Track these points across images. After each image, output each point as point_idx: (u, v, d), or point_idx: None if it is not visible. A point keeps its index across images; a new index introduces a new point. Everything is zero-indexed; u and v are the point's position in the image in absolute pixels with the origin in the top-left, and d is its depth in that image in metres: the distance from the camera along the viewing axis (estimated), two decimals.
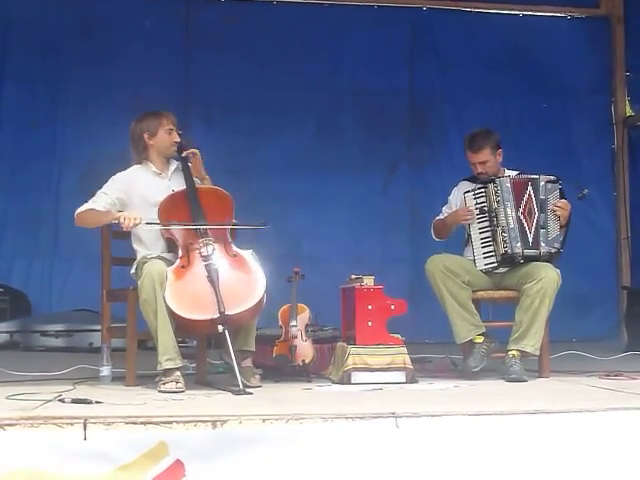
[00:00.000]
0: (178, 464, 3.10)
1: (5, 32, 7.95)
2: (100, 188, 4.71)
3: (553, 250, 4.99)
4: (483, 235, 5.06)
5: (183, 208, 4.58)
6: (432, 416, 3.32)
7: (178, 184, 4.71)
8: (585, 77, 8.73)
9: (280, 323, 5.16)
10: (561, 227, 5.04)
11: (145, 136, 4.72)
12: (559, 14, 8.80)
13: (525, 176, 5.08)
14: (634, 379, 4.69)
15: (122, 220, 4.44)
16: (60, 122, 7.98)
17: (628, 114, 8.74)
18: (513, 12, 8.72)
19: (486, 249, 5.05)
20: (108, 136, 7.63)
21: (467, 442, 3.26)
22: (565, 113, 8.60)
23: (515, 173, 5.14)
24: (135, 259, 4.72)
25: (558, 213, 4.99)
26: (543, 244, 4.98)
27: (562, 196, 5.06)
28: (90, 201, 4.67)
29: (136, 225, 4.46)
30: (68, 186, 7.86)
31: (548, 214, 5.00)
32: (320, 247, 8.01)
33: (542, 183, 5.02)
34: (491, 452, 3.26)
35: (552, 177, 5.06)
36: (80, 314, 7.30)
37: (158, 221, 4.55)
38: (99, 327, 5.03)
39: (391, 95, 8.45)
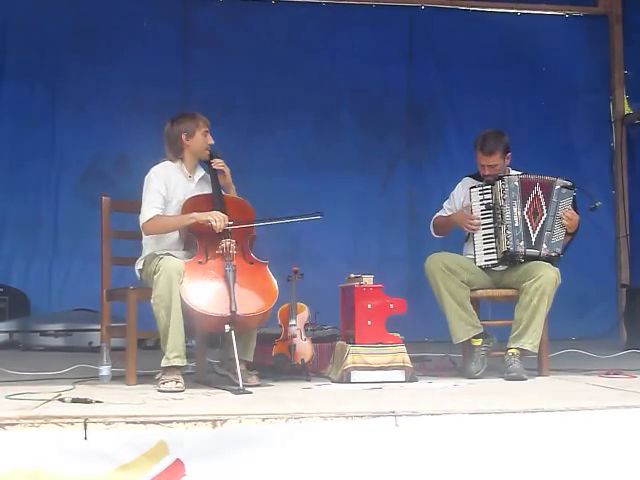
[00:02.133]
0: (178, 463, 3.10)
1: (3, 31, 7.94)
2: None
3: (553, 254, 4.98)
4: (486, 231, 5.03)
5: (208, 210, 4.58)
6: (432, 415, 3.33)
7: (201, 191, 4.72)
8: (583, 75, 8.74)
9: (279, 322, 5.16)
10: (567, 234, 5.03)
11: (183, 137, 4.73)
12: (557, 12, 8.81)
13: (538, 176, 5.02)
14: (633, 377, 4.69)
15: (214, 223, 4.44)
16: (58, 121, 7.97)
17: (626, 112, 8.75)
18: (511, 11, 8.74)
19: (488, 245, 5.02)
20: (107, 135, 7.72)
21: (467, 440, 3.27)
22: (563, 111, 8.60)
23: (519, 173, 5.09)
24: (139, 256, 4.71)
25: (565, 222, 4.98)
26: (545, 246, 4.96)
27: (574, 203, 5.03)
28: (148, 206, 4.60)
29: (227, 226, 4.48)
30: (67, 185, 7.89)
31: (556, 219, 4.98)
32: (319, 246, 8.00)
33: (558, 187, 4.99)
34: (491, 451, 3.26)
35: (569, 183, 5.03)
36: (79, 313, 7.30)
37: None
38: (99, 326, 5.03)
39: (389, 93, 8.45)
